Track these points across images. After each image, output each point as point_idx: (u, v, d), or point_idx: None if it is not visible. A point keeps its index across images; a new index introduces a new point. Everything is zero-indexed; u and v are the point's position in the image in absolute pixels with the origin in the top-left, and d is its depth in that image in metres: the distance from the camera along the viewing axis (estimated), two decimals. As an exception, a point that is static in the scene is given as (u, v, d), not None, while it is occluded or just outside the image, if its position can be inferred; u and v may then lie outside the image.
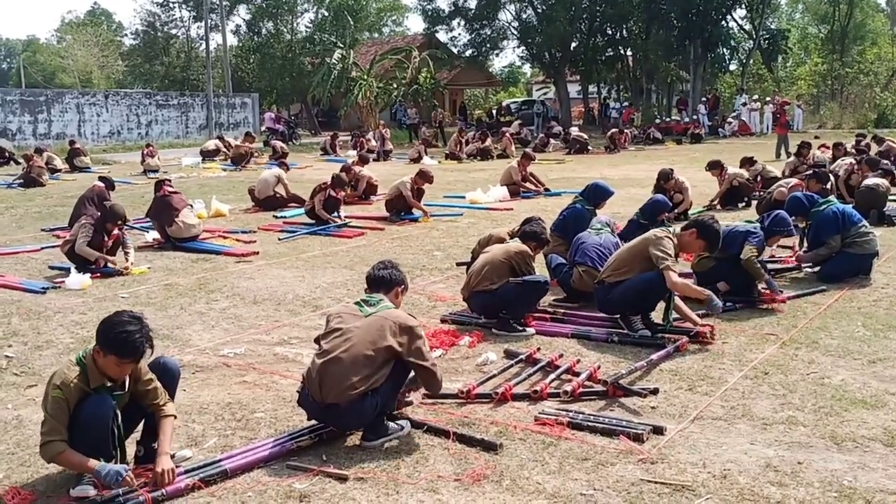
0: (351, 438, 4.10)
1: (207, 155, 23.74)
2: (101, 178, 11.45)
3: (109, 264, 8.32)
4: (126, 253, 8.55)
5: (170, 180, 11.42)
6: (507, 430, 4.17)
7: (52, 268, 8.69)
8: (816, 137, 20.02)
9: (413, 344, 4.04)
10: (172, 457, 3.71)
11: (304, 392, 4.08)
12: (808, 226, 7.85)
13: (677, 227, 6.11)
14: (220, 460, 3.79)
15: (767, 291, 6.60)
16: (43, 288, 7.64)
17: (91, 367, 3.56)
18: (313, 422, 4.14)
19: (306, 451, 3.96)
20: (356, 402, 3.90)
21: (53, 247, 9.55)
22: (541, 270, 7.04)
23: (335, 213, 11.58)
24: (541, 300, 6.28)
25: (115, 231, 8.52)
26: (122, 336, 3.49)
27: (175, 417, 3.83)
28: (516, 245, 6.26)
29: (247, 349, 5.72)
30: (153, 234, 10.13)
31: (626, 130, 28.46)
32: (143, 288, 7.73)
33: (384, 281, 4.36)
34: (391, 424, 4.11)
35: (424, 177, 12.10)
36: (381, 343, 3.97)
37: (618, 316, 5.90)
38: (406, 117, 35.12)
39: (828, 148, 16.59)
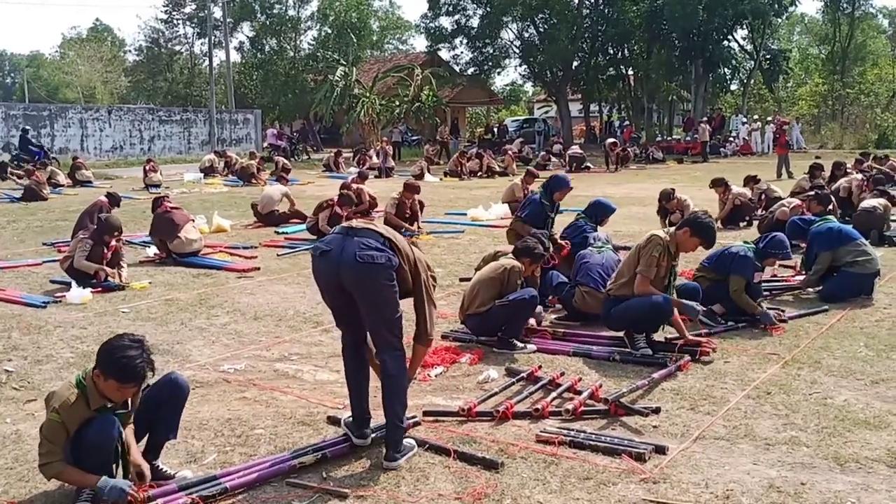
0: (355, 459, 4.07)
1: (205, 171, 23.79)
2: (108, 195, 11.45)
3: (109, 277, 8.31)
4: (119, 267, 8.56)
5: (168, 196, 11.42)
6: (508, 449, 4.14)
7: (53, 282, 8.68)
8: (817, 158, 20.05)
9: (426, 280, 4.06)
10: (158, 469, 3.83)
11: (319, 257, 3.97)
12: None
13: (672, 228, 6.07)
14: (219, 477, 3.76)
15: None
16: (43, 302, 7.63)
17: (91, 388, 3.52)
18: (314, 442, 4.11)
19: (307, 469, 3.93)
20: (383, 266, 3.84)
21: (55, 261, 9.54)
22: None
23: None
24: (534, 312, 6.24)
25: (114, 243, 8.54)
26: (122, 361, 3.45)
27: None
28: (506, 261, 6.24)
29: (247, 365, 5.70)
30: (154, 249, 10.14)
31: (628, 149, 28.57)
32: (143, 303, 7.72)
33: None
34: (406, 442, 4.05)
35: (409, 188, 12.14)
36: (406, 248, 3.98)
37: (622, 333, 5.89)
38: (391, 134, 35.07)
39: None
